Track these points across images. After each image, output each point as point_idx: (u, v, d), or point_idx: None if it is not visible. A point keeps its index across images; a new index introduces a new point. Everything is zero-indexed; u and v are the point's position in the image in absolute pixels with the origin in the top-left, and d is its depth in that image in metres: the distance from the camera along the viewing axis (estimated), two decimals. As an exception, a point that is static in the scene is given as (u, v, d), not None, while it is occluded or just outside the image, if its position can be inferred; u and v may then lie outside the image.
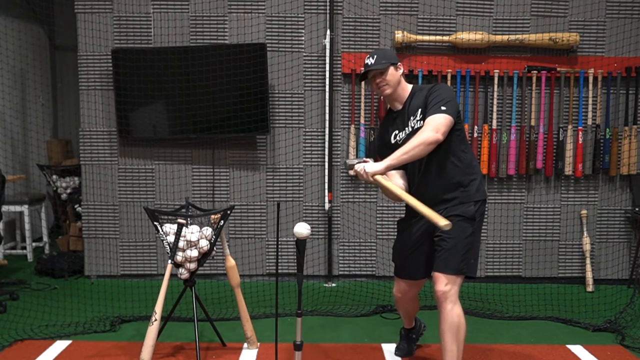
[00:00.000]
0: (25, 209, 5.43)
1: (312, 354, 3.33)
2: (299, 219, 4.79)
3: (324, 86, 4.71)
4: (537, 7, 4.71)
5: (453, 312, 2.67)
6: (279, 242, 4.78)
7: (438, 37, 4.67)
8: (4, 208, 4.83)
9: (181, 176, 4.83)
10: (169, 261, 3.18)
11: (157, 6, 4.70)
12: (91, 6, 4.69)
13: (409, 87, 2.90)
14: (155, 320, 3.08)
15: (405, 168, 2.86)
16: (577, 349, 3.47)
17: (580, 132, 4.71)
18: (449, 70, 4.67)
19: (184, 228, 3.18)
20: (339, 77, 4.75)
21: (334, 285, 4.82)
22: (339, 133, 4.79)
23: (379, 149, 3.01)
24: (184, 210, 3.45)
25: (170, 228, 3.24)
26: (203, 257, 3.29)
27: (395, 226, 3.12)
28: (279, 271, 4.82)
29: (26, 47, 6.23)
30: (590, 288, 4.71)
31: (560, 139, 4.73)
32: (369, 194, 4.84)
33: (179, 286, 3.43)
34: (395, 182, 2.80)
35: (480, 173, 2.93)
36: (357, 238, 4.86)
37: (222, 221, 3.29)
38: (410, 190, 2.79)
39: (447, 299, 2.67)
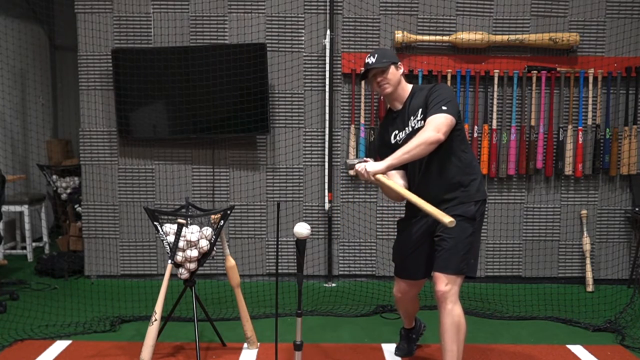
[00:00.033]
0: (25, 209, 5.43)
1: (312, 354, 3.33)
2: (299, 219, 4.79)
3: (324, 86, 4.72)
4: (537, 7, 4.71)
5: (453, 312, 2.67)
6: (279, 242, 4.78)
7: (438, 37, 4.67)
8: (4, 208, 4.83)
9: (181, 176, 4.83)
10: (169, 261, 3.18)
11: (157, 6, 4.70)
12: (91, 6, 4.69)
13: (409, 86, 2.90)
14: (155, 320, 3.08)
15: (405, 168, 2.86)
16: (577, 349, 3.47)
17: (580, 132, 4.71)
18: (449, 70, 4.67)
19: (184, 228, 3.18)
20: (339, 77, 4.75)
21: (334, 285, 4.82)
22: (339, 133, 4.79)
23: (379, 149, 3.01)
24: (184, 210, 3.45)
25: (170, 228, 3.24)
26: (203, 257, 3.29)
27: (395, 226, 3.12)
28: (279, 271, 4.82)
29: (26, 47, 6.23)
30: (590, 288, 4.71)
31: (560, 139, 4.73)
32: (369, 194, 4.84)
33: (179, 286, 3.43)
34: (396, 182, 2.80)
35: (480, 173, 2.93)
36: (357, 238, 4.86)
37: (222, 221, 3.29)
38: (410, 190, 2.79)
39: (447, 299, 2.67)
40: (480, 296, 4.50)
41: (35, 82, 6.40)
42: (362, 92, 4.69)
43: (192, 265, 3.25)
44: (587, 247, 4.77)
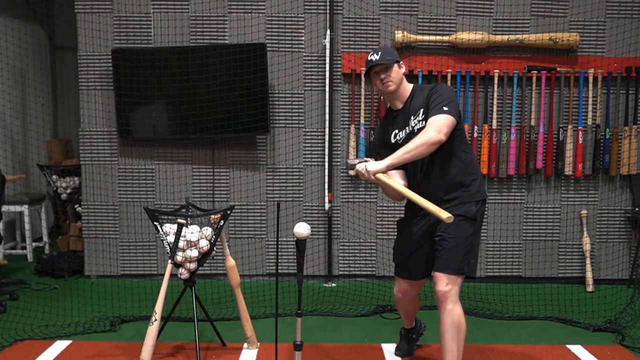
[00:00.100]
0: (25, 209, 5.43)
1: (312, 354, 3.33)
2: (299, 219, 4.79)
3: (324, 86, 4.71)
4: (537, 7, 4.71)
5: (453, 312, 2.67)
6: (279, 242, 4.78)
7: (438, 37, 4.67)
8: (4, 208, 4.83)
9: (181, 176, 4.83)
10: (169, 261, 3.18)
11: (157, 6, 4.70)
12: (91, 6, 4.69)
13: (410, 86, 2.91)
14: (155, 320, 3.08)
15: (406, 168, 2.86)
16: (577, 349, 3.47)
17: (580, 132, 4.71)
18: (449, 70, 4.67)
19: (184, 228, 3.18)
20: (339, 77, 4.75)
21: (334, 285, 4.82)
22: (339, 133, 4.79)
23: (379, 148, 3.01)
24: (184, 210, 3.45)
25: (170, 228, 3.24)
26: (203, 257, 3.29)
27: (395, 226, 3.12)
28: (279, 271, 4.82)
29: (26, 47, 6.23)
30: (590, 288, 4.71)
31: (560, 139, 4.73)
32: (369, 194, 4.84)
33: (179, 286, 3.43)
34: (396, 181, 2.81)
35: (481, 173, 2.94)
36: (357, 238, 4.86)
37: (222, 221, 3.29)
38: (411, 190, 2.79)
39: (448, 298, 2.67)
40: (480, 296, 4.50)
41: (35, 82, 6.40)
42: (362, 92, 4.69)
43: (192, 265, 3.25)
44: (587, 247, 4.77)
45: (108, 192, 4.84)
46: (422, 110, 2.78)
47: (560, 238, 4.87)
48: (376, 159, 2.82)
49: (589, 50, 4.74)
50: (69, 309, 4.09)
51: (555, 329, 3.85)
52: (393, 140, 2.90)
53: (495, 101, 4.69)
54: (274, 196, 4.84)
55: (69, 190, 5.74)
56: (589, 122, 4.74)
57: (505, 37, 4.64)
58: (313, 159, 4.82)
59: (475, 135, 4.70)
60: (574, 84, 4.73)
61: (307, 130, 4.80)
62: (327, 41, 4.65)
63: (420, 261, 2.91)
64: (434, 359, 3.32)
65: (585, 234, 4.79)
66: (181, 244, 3.19)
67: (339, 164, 4.81)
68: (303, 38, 4.73)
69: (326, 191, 4.78)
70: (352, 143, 4.71)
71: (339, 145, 4.80)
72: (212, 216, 3.36)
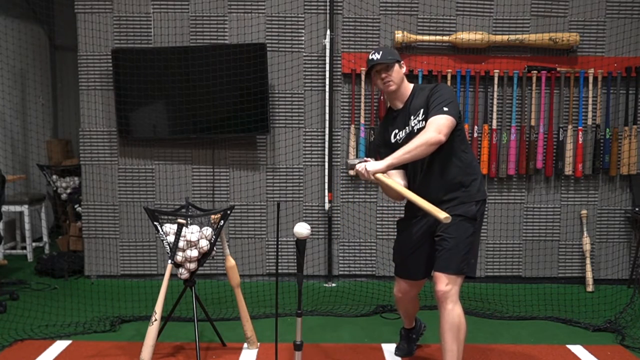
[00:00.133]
0: (25, 209, 5.43)
1: (312, 354, 3.33)
2: (299, 219, 4.79)
3: (324, 86, 4.71)
4: (537, 7, 4.71)
5: (453, 312, 2.67)
6: (279, 242, 4.78)
7: (438, 37, 4.67)
8: (4, 208, 4.83)
9: (181, 176, 4.83)
10: (169, 261, 3.18)
11: (157, 6, 4.70)
12: (91, 6, 4.69)
13: (410, 86, 2.91)
14: (155, 320, 3.08)
15: (405, 168, 2.86)
16: (577, 349, 3.47)
17: (580, 132, 4.71)
18: (449, 70, 4.67)
19: (184, 228, 3.18)
20: (339, 77, 4.75)
21: (334, 285, 4.82)
22: (339, 133, 4.79)
23: (379, 148, 3.01)
24: (184, 210, 3.45)
25: (170, 228, 3.24)
26: (203, 257, 3.29)
27: (395, 226, 3.12)
28: (279, 271, 4.82)
29: (26, 47, 6.23)
30: (590, 288, 4.71)
31: (560, 139, 4.73)
32: (369, 194, 4.84)
33: (179, 286, 3.43)
34: (396, 181, 2.80)
35: (481, 173, 2.94)
36: (357, 238, 4.86)
37: (222, 221, 3.29)
38: (410, 190, 2.79)
39: (448, 298, 2.67)
40: (480, 296, 4.50)
41: (35, 82, 6.40)
42: (362, 92, 4.69)
43: (192, 265, 3.25)
44: (587, 247, 4.77)
45: (108, 192, 4.84)
46: (422, 110, 2.78)
47: (560, 238, 4.87)
48: (376, 159, 2.82)
49: (589, 50, 4.74)
50: (69, 309, 4.09)
51: (555, 329, 3.85)
52: (393, 140, 2.90)
53: (495, 101, 4.69)
54: (274, 196, 4.84)
55: (69, 190, 5.74)
56: (589, 122, 4.74)
57: (505, 37, 4.64)
58: (313, 159, 4.82)
59: (475, 135, 4.70)
60: (574, 84, 4.73)
61: (307, 130, 4.80)
62: (327, 41, 4.65)
63: (420, 261, 2.92)
64: (434, 359, 3.32)
65: (585, 234, 4.79)
66: (181, 244, 3.19)
67: (339, 164, 4.81)
68: (303, 38, 4.73)
69: (326, 191, 4.78)
70: (352, 143, 4.71)
71: (339, 145, 4.80)
72: (212, 216, 3.36)
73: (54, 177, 5.78)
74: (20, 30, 6.14)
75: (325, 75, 4.70)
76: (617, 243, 4.88)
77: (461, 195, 2.78)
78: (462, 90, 4.73)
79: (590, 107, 4.73)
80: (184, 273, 3.26)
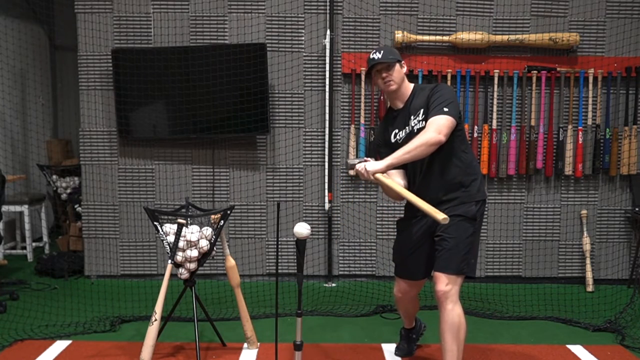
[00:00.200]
0: (25, 209, 5.43)
1: (312, 354, 3.33)
2: (299, 219, 4.79)
3: (324, 86, 4.72)
4: (537, 7, 4.71)
5: (453, 312, 2.67)
6: (279, 242, 4.78)
7: (438, 37, 4.67)
8: (4, 208, 4.83)
9: (181, 176, 4.83)
10: (169, 261, 3.18)
11: (157, 6, 4.70)
12: (91, 6, 4.69)
13: (411, 86, 2.91)
14: (155, 320, 3.08)
15: (405, 168, 2.86)
16: (577, 349, 3.47)
17: (580, 132, 4.71)
18: (449, 70, 4.67)
19: (184, 228, 3.18)
20: (339, 77, 4.75)
21: (334, 285, 4.82)
22: (339, 133, 4.79)
23: (379, 148, 3.01)
24: (184, 210, 3.45)
25: (170, 228, 3.24)
26: (203, 257, 3.29)
27: (395, 226, 3.12)
28: (279, 271, 4.82)
29: (26, 47, 6.23)
30: (590, 288, 4.71)
31: (560, 139, 4.73)
32: (369, 194, 4.84)
33: (179, 286, 3.43)
34: (395, 181, 2.80)
35: (481, 173, 2.94)
36: (357, 238, 4.86)
37: (222, 221, 3.29)
38: (410, 190, 2.79)
39: (448, 298, 2.67)
40: (480, 296, 4.50)
41: (35, 82, 6.40)
42: (362, 92, 4.69)
43: (192, 265, 3.25)
44: (587, 247, 4.77)
45: (108, 192, 4.84)
46: (422, 110, 2.78)
47: (560, 238, 4.87)
48: (376, 159, 2.82)
49: (589, 50, 4.74)
50: (69, 309, 4.09)
51: (555, 329, 3.85)
52: (393, 140, 2.90)
53: (495, 101, 4.69)
54: (274, 196, 4.84)
55: (69, 190, 5.74)
56: (589, 122, 4.74)
57: (505, 37, 4.64)
58: (313, 159, 4.82)
59: (475, 135, 4.70)
60: (574, 84, 4.73)
61: (307, 130, 4.80)
62: (327, 41, 4.65)
63: (420, 261, 2.92)
64: (434, 359, 3.32)
65: (585, 234, 4.79)
66: (181, 244, 3.19)
67: (339, 164, 4.81)
68: (303, 38, 4.73)
69: (326, 191, 4.78)
70: (352, 143, 4.71)
71: (339, 145, 4.80)
72: (212, 216, 3.36)
73: (54, 177, 5.78)
74: (20, 30, 6.14)
75: (325, 75, 4.70)
76: (617, 243, 4.88)
77: (461, 196, 2.78)
78: (462, 90, 4.73)
79: (590, 107, 4.73)
80: (184, 273, 3.26)
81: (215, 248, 3.33)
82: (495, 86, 4.68)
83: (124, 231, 4.86)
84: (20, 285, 4.67)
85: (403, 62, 2.87)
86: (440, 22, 4.71)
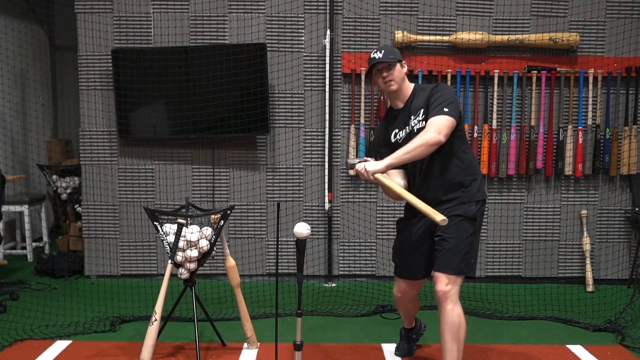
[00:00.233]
0: (25, 209, 5.43)
1: (312, 354, 3.33)
2: (299, 219, 4.79)
3: (324, 86, 4.72)
4: (537, 7, 4.71)
5: (453, 312, 2.67)
6: (279, 242, 4.78)
7: (438, 37, 4.67)
8: (4, 208, 4.83)
9: (181, 176, 4.83)
10: (169, 261, 3.18)
11: (157, 6, 4.70)
12: (91, 6, 4.69)
13: (411, 85, 2.91)
14: (155, 320, 3.08)
15: (405, 168, 2.86)
16: (577, 349, 3.47)
17: (580, 132, 4.71)
18: (449, 70, 4.67)
19: (184, 228, 3.18)
20: (339, 77, 4.75)
21: (334, 285, 4.82)
22: (339, 133, 4.79)
23: (379, 147, 3.01)
24: (184, 210, 3.45)
25: (170, 228, 3.24)
26: (203, 257, 3.29)
27: (395, 226, 3.12)
28: (279, 271, 4.82)
29: (26, 47, 6.23)
30: (590, 288, 4.71)
31: (560, 139, 4.73)
32: (369, 194, 4.84)
33: (179, 286, 3.43)
34: (395, 181, 2.80)
35: (481, 173, 2.94)
36: (357, 238, 4.86)
37: (222, 221, 3.29)
38: (410, 190, 2.79)
39: (448, 298, 2.67)
40: (480, 296, 4.50)
41: (35, 82, 6.40)
42: (362, 92, 4.69)
43: (192, 265, 3.25)
44: (587, 247, 4.77)
45: (108, 192, 4.84)
46: (422, 110, 2.78)
47: (560, 238, 4.87)
48: (376, 159, 2.82)
49: (589, 50, 4.74)
50: (69, 309, 4.09)
51: (555, 329, 3.85)
52: (393, 140, 2.90)
53: (495, 101, 4.69)
54: (274, 196, 4.84)
55: (69, 190, 5.74)
56: (589, 122, 4.74)
57: (505, 37, 4.64)
58: (313, 159, 4.82)
59: (475, 135, 4.70)
60: (574, 84, 4.73)
61: (307, 130, 4.80)
62: (327, 41, 4.65)
63: (420, 261, 2.92)
64: (434, 359, 3.32)
65: (585, 234, 4.79)
66: (181, 244, 3.19)
67: (339, 164, 4.81)
68: (303, 38, 4.73)
69: (326, 191, 4.78)
70: (352, 143, 4.71)
71: (339, 145, 4.80)
72: (212, 216, 3.36)
73: (54, 177, 5.78)
74: (20, 30, 6.14)
75: (325, 75, 4.70)
76: (617, 243, 4.88)
77: (461, 196, 2.78)
78: (462, 90, 4.73)
79: (590, 107, 4.73)
80: (184, 273, 3.26)
81: (215, 248, 3.33)
82: (495, 86, 4.68)
83: (124, 231, 4.86)
84: (20, 285, 4.67)
85: (404, 62, 2.87)
86: (440, 22, 4.71)
